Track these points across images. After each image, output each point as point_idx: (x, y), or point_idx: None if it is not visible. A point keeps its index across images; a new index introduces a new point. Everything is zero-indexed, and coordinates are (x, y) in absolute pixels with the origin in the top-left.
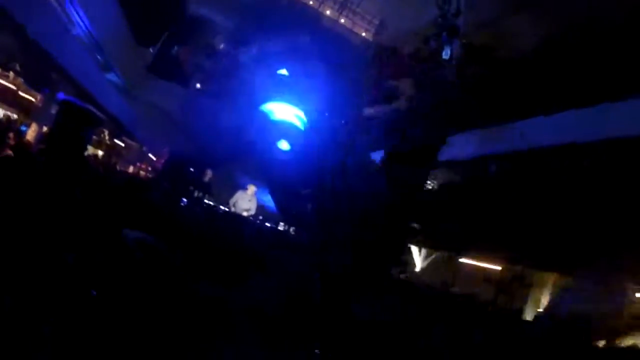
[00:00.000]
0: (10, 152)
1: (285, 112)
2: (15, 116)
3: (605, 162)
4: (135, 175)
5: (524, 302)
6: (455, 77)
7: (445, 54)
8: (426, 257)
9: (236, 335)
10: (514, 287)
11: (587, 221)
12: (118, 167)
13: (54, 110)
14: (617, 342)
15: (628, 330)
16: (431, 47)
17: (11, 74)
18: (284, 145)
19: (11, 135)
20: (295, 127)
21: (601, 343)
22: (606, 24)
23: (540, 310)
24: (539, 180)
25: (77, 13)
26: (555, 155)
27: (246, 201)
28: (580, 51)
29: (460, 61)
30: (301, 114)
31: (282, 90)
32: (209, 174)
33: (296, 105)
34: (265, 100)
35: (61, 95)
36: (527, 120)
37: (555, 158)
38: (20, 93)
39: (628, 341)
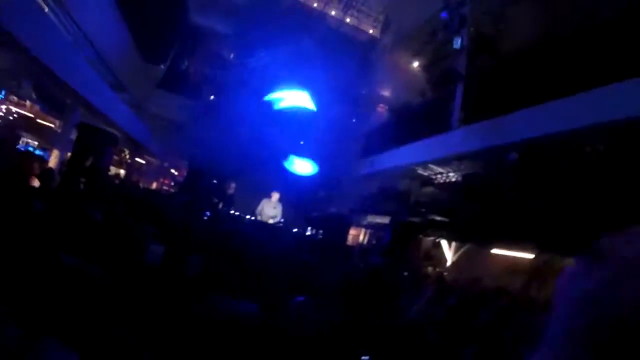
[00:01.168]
0: (37, 180)
1: (295, 97)
2: (36, 143)
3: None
4: (156, 190)
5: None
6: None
7: (456, 44)
8: (456, 251)
9: None
10: (545, 274)
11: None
12: (141, 184)
13: (73, 135)
14: None
15: None
16: (438, 39)
17: (28, 102)
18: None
19: (36, 165)
20: (308, 112)
21: None
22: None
23: None
24: (558, 167)
25: (85, 36)
26: (568, 141)
27: (271, 208)
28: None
29: (469, 51)
30: (309, 98)
31: (291, 88)
32: (232, 186)
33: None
34: (275, 100)
35: (78, 120)
36: (537, 107)
37: (568, 144)
38: (39, 120)
39: None
